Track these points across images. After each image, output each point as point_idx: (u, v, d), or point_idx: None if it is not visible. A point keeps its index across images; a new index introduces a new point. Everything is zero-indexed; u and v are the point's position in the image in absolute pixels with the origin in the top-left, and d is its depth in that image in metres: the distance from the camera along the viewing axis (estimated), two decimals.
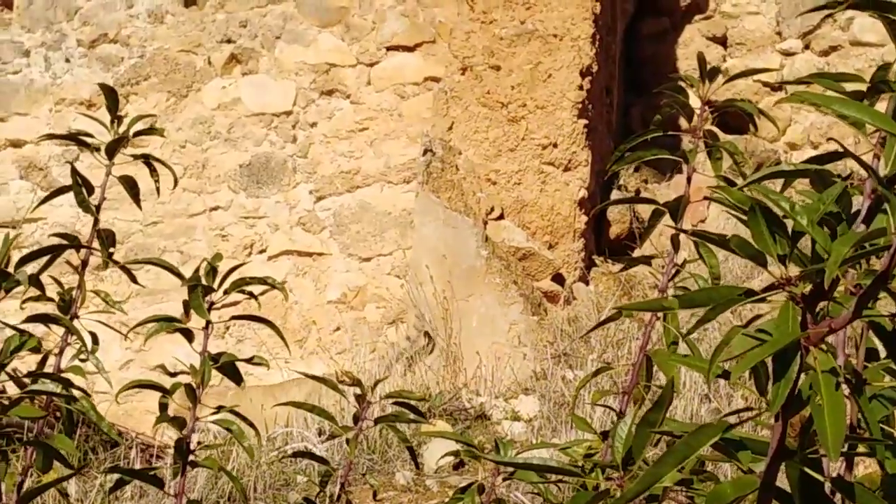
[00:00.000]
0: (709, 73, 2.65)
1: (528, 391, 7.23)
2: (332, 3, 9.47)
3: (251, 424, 2.81)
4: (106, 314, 2.89)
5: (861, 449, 1.58)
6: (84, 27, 9.96)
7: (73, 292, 2.84)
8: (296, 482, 6.17)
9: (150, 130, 3.05)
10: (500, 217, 8.43)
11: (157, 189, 3.01)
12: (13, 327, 2.38)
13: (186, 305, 2.75)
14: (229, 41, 9.68)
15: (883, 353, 1.62)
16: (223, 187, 9.63)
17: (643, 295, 8.03)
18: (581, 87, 8.47)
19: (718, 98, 2.67)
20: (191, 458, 2.70)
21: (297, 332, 9.22)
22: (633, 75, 10.16)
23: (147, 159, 2.96)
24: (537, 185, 8.47)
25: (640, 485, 1.42)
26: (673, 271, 2.71)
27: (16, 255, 2.58)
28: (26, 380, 2.45)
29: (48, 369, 2.69)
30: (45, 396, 2.59)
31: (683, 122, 2.77)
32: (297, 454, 3.33)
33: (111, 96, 2.95)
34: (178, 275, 2.85)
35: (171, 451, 6.29)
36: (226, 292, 2.76)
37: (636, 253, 8.53)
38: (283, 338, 2.99)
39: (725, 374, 1.55)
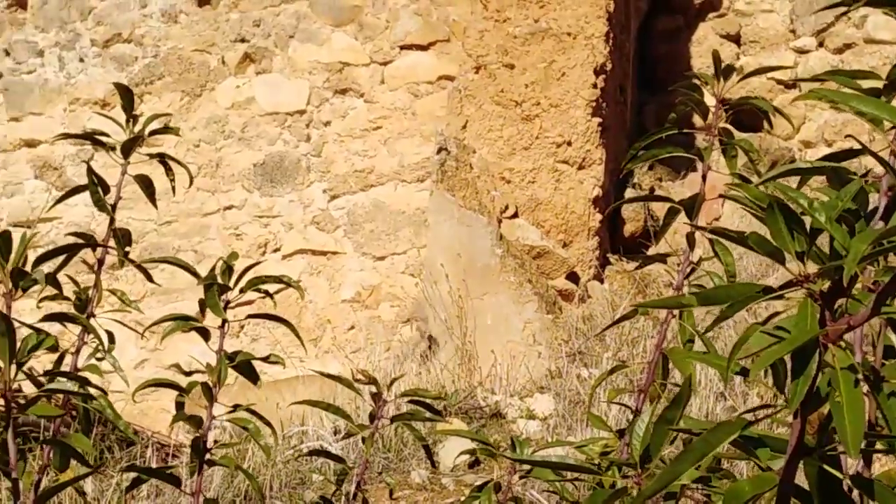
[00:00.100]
0: (723, 70, 2.65)
1: (543, 389, 7.23)
2: (345, 1, 9.47)
3: (268, 423, 2.81)
4: (121, 313, 2.89)
5: (879, 446, 1.57)
6: (98, 27, 9.98)
7: (90, 291, 2.84)
8: (311, 481, 6.18)
9: (166, 129, 3.05)
10: (515, 215, 8.43)
11: (173, 188, 3.02)
12: (30, 326, 2.39)
13: (202, 304, 2.75)
14: (243, 40, 9.69)
15: None
16: (237, 186, 9.64)
17: (658, 293, 8.02)
18: (595, 86, 8.46)
19: (732, 96, 2.67)
20: (207, 456, 2.71)
21: (311, 331, 9.23)
22: (646, 73, 10.15)
23: (163, 158, 2.96)
24: (551, 183, 8.47)
25: (658, 482, 1.41)
26: (689, 269, 2.70)
27: (31, 255, 2.58)
28: (42, 379, 2.45)
29: (65, 368, 2.70)
30: (61, 395, 2.59)
31: (697, 120, 2.76)
32: (313, 453, 3.33)
33: (127, 96, 2.96)
34: (195, 273, 2.85)
35: (187, 449, 6.30)
36: (241, 291, 2.76)
37: (651, 251, 8.53)
38: (298, 337, 2.99)
39: (744, 372, 1.54)
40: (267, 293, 2.81)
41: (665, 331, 2.66)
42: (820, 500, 1.47)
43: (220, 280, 2.75)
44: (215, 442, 2.84)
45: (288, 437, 6.62)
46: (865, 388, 1.43)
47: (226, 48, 9.72)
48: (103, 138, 2.93)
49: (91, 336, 2.81)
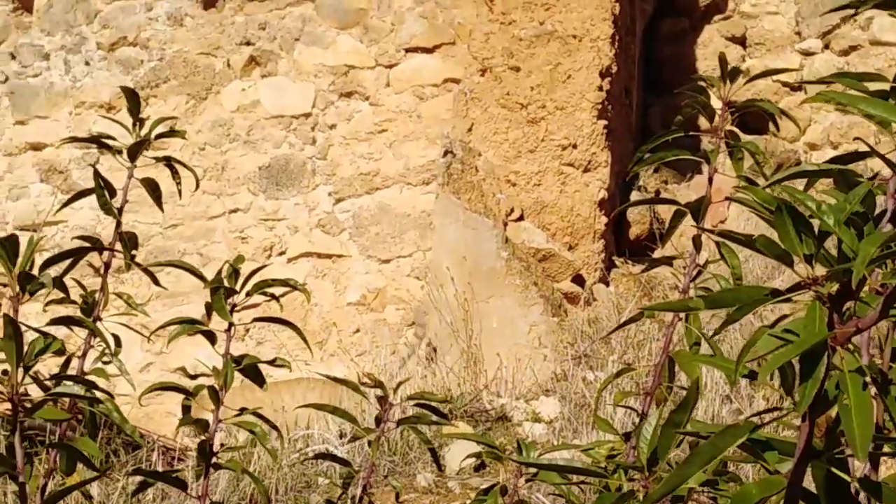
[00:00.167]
0: (730, 73, 2.65)
1: (548, 392, 7.22)
2: (350, 4, 9.47)
3: (274, 426, 2.81)
4: (127, 316, 2.89)
5: (887, 449, 1.57)
6: (103, 30, 9.98)
7: (96, 295, 2.85)
8: (317, 484, 6.18)
9: (172, 133, 3.05)
10: (520, 218, 8.42)
11: (179, 191, 3.02)
12: (37, 330, 2.39)
13: (209, 307, 2.75)
14: (248, 43, 9.69)
15: None
16: (243, 189, 9.64)
17: (663, 295, 8.02)
18: (601, 88, 8.46)
19: (738, 98, 2.66)
20: (214, 460, 2.71)
21: (317, 334, 9.22)
22: (652, 75, 10.15)
23: (169, 161, 2.96)
24: (557, 186, 8.46)
25: (666, 486, 1.41)
26: (695, 272, 2.70)
27: (37, 258, 2.59)
28: (48, 382, 2.45)
29: (71, 372, 2.70)
30: (67, 399, 2.59)
31: (703, 123, 2.76)
32: (319, 456, 3.33)
33: (133, 99, 2.96)
34: (201, 277, 2.85)
35: (192, 453, 6.30)
36: (248, 294, 2.76)
37: (656, 253, 8.53)
38: (305, 340, 2.99)
39: (752, 375, 1.54)
40: (273, 296, 2.81)
41: (671, 334, 2.66)
42: (828, 503, 1.47)
43: (226, 283, 2.75)
44: (221, 445, 2.84)
45: (293, 440, 6.62)
46: (873, 390, 1.43)
47: (231, 51, 9.72)
48: (110, 142, 2.93)
49: (97, 339, 2.81)
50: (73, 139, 3.12)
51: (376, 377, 2.95)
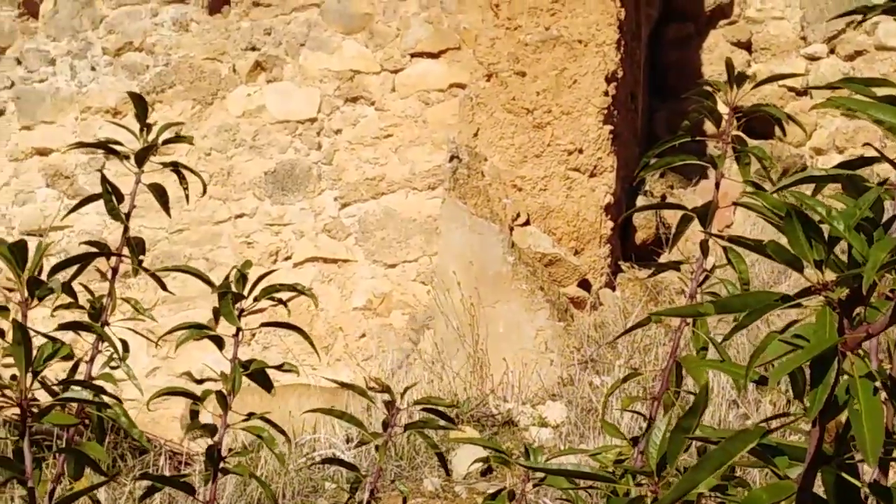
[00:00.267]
0: (736, 78, 2.65)
1: (555, 397, 7.22)
2: (356, 10, 9.47)
3: (282, 431, 2.81)
4: (133, 321, 2.90)
5: None
6: (109, 35, 9.99)
7: (104, 300, 2.85)
8: (324, 489, 6.18)
9: (179, 138, 3.05)
10: (526, 223, 8.43)
11: (187, 196, 3.02)
12: (45, 335, 2.39)
13: (216, 312, 2.76)
14: (254, 49, 9.70)
15: None
16: (248, 194, 9.65)
17: (670, 300, 8.02)
18: (606, 93, 8.46)
19: (743, 103, 2.66)
20: (221, 464, 2.71)
21: (323, 339, 9.23)
22: (657, 80, 10.15)
23: (176, 167, 2.97)
24: (563, 190, 8.46)
25: (676, 491, 1.41)
26: (702, 277, 2.70)
27: (45, 263, 2.59)
28: (56, 387, 2.45)
29: (78, 377, 2.70)
30: (75, 404, 2.59)
31: (708, 128, 2.76)
32: (326, 460, 3.33)
33: (140, 105, 2.96)
34: (209, 282, 2.85)
35: (199, 457, 6.31)
36: (256, 299, 2.77)
37: (663, 258, 8.53)
38: (312, 345, 3.00)
39: (762, 380, 1.54)
40: (281, 301, 2.81)
41: (679, 338, 2.66)
42: None
43: (234, 288, 2.75)
44: (229, 450, 2.84)
45: (300, 444, 6.62)
46: (883, 396, 1.43)
47: (237, 56, 9.73)
48: (116, 147, 2.93)
49: (105, 344, 2.81)
50: (81, 144, 3.13)
51: (383, 382, 2.95)
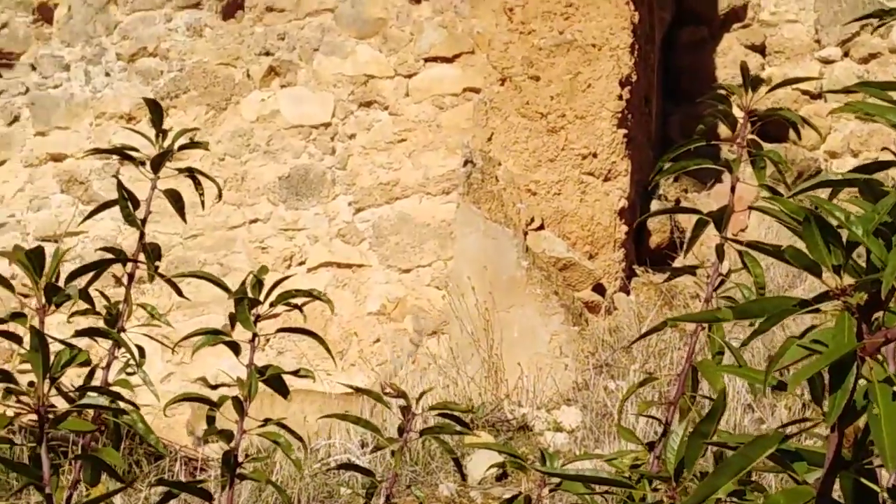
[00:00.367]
0: (751, 81, 2.64)
1: (569, 402, 7.22)
2: (369, 14, 9.48)
3: (298, 437, 2.81)
4: (149, 327, 2.90)
5: None
6: (123, 41, 10.01)
7: (120, 305, 2.85)
8: (339, 494, 6.18)
9: (195, 144, 3.05)
10: (541, 227, 8.42)
11: (202, 202, 3.02)
12: (62, 341, 2.39)
13: (232, 318, 2.76)
14: (268, 54, 9.71)
15: None
16: (262, 200, 9.65)
17: (684, 304, 8.00)
18: (620, 97, 8.46)
19: (757, 106, 2.66)
20: (238, 470, 2.71)
21: (337, 344, 9.22)
22: (671, 84, 10.14)
23: (192, 172, 2.97)
24: (577, 195, 8.46)
25: (696, 496, 1.41)
26: (717, 281, 2.69)
27: (61, 270, 2.59)
28: (72, 394, 2.46)
29: (95, 383, 2.70)
30: (91, 410, 2.60)
31: (723, 131, 2.76)
32: (342, 466, 3.33)
33: (156, 110, 2.96)
34: (225, 288, 2.85)
35: (214, 463, 6.31)
36: (272, 305, 2.77)
37: (677, 262, 8.51)
38: (329, 351, 3.00)
39: (779, 385, 1.54)
40: (297, 307, 2.81)
41: (694, 343, 2.65)
42: None
43: (250, 294, 2.75)
44: (246, 455, 2.84)
45: (315, 450, 6.62)
46: None
47: (251, 61, 9.74)
48: (132, 153, 2.94)
49: (121, 350, 2.81)
50: (97, 150, 3.13)
51: (399, 387, 2.95)
